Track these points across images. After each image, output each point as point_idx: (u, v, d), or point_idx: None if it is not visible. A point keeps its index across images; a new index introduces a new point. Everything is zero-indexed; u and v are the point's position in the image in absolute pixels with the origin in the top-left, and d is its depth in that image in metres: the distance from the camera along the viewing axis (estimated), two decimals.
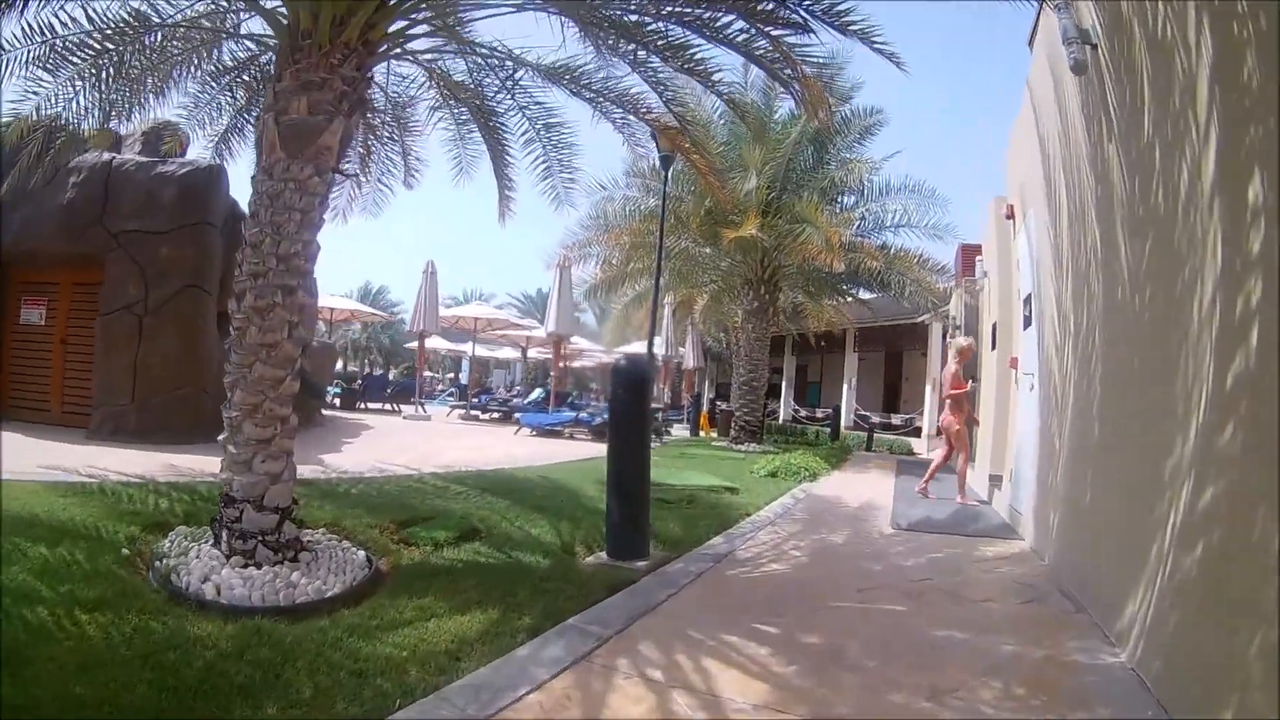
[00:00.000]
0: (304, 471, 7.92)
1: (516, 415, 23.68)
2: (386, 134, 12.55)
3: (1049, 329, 9.23)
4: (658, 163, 18.94)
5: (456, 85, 10.96)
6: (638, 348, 35.36)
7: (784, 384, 41.26)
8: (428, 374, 77.43)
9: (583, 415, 21.96)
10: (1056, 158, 8.77)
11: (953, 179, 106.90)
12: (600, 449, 11.79)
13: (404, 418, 26.37)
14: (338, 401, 29.32)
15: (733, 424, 24.47)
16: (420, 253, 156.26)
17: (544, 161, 11.95)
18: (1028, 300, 11.09)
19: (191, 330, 14.02)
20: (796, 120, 21.79)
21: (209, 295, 14.31)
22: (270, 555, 5.86)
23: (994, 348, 14.74)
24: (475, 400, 32.68)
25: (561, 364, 34.17)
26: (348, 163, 11.08)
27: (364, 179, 12.90)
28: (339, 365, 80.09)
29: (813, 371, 44.49)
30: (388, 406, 29.78)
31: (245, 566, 5.68)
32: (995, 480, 13.60)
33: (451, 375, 70.09)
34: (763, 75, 21.82)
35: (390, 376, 58.97)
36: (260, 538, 5.89)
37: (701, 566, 7.17)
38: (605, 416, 19.18)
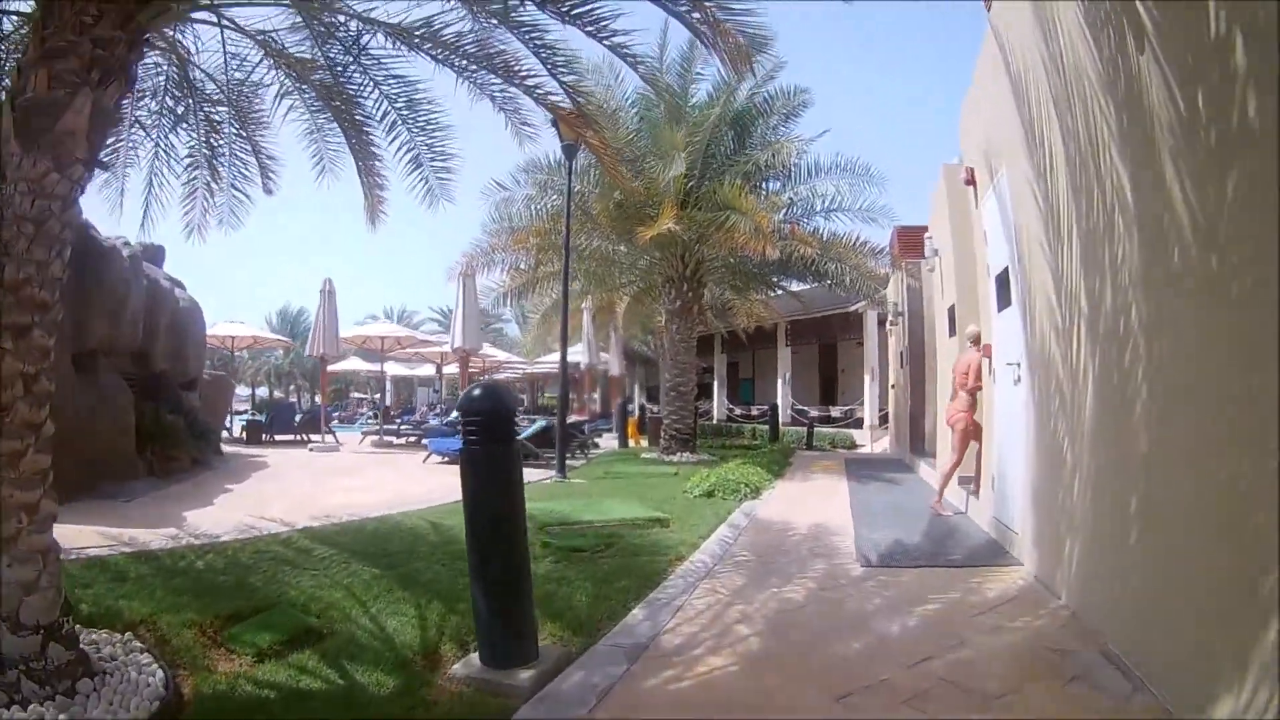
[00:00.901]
0: (156, 539, 7.29)
1: (424, 441, 21.45)
2: (234, 130, 10.55)
3: (1042, 309, 7.35)
4: (560, 154, 17.47)
5: (300, 62, 9.01)
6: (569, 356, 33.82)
7: (716, 383, 40.35)
8: (355, 395, 75.86)
9: None
10: (1042, 97, 6.91)
11: (883, 162, 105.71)
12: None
13: (310, 449, 24.50)
14: (244, 435, 27.75)
15: (662, 432, 22.57)
16: (339, 269, 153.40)
17: (409, 148, 10.20)
18: (1002, 277, 9.30)
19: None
20: (715, 102, 20.34)
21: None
22: (36, 689, 4.24)
23: (952, 334, 13.05)
24: (395, 423, 31.14)
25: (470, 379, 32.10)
26: (110, 154, 9.55)
27: (216, 185, 11.01)
28: (260, 393, 79.63)
29: (745, 368, 43.21)
30: (298, 437, 27.53)
31: (8, 706, 4.13)
32: (966, 483, 11.88)
33: (377, 396, 67.85)
34: (678, 58, 20.72)
35: (301, 404, 57.03)
36: (20, 667, 4.26)
37: (611, 674, 5.00)
38: (522, 436, 17.75)
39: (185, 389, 18.53)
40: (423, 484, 15.88)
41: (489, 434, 5.34)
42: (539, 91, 9.29)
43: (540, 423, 20.76)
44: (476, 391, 5.60)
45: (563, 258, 18.86)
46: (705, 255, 21.50)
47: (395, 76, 9.40)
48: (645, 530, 10.24)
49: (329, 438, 27.13)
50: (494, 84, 9.30)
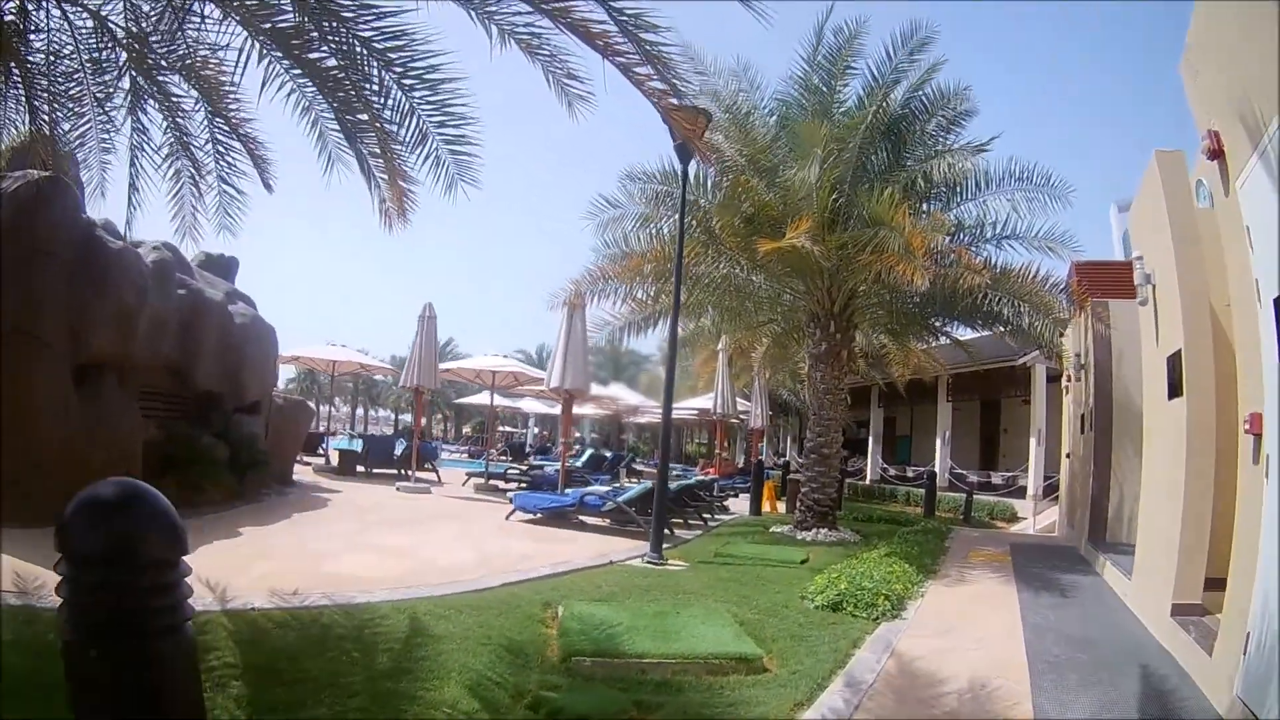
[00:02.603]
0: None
1: (509, 495, 18.25)
2: (207, 110, 9.41)
3: None
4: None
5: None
6: (701, 402, 30.32)
7: (870, 439, 37.04)
8: (504, 429, 73.67)
9: (588, 497, 16.46)
10: None
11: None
12: (608, 546, 11.82)
13: (397, 488, 21.87)
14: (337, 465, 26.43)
15: (798, 502, 18.78)
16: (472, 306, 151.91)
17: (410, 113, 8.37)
18: None
19: (17, 388, 10.99)
20: (867, 106, 16.77)
21: (45, 344, 11.57)
22: None
23: (1174, 394, 9.47)
24: (506, 462, 28.50)
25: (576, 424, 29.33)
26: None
27: (200, 179, 10.06)
28: (405, 419, 79.08)
29: (902, 424, 40.18)
30: (399, 471, 24.86)
31: None
32: (1186, 614, 8.36)
33: (514, 431, 65.49)
34: (826, 56, 17.30)
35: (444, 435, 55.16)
36: None
37: None
38: (619, 499, 16.21)
39: (245, 413, 17.25)
40: (479, 550, 13.02)
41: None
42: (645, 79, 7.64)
43: (647, 484, 17.18)
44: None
45: (684, 285, 16.06)
46: (856, 288, 17.90)
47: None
48: (722, 678, 6.86)
49: (424, 474, 24.87)
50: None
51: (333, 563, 10.84)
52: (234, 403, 16.92)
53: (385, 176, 9.55)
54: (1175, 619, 8.42)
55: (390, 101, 8.35)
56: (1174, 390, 9.46)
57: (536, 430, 59.25)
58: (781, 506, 23.49)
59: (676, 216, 16.74)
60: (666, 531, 15.29)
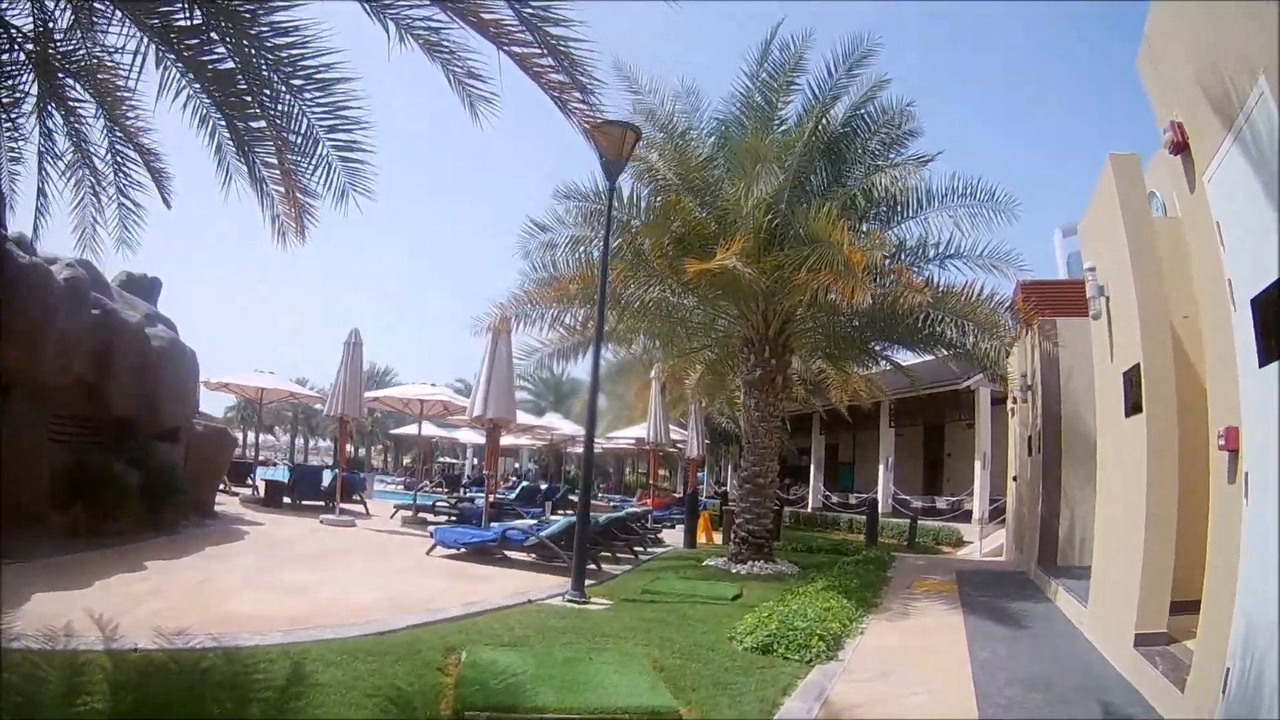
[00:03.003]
0: None
1: (430, 529, 17.25)
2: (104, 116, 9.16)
3: None
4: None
5: None
6: (639, 431, 29.51)
7: (812, 466, 36.82)
8: (444, 460, 72.37)
9: (511, 532, 15.45)
10: None
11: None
12: (529, 584, 11.73)
13: (321, 520, 20.82)
14: (262, 495, 25.00)
15: (733, 534, 17.98)
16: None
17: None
18: (1268, 300, 4.93)
19: None
20: (805, 124, 16.29)
21: None
22: None
23: (1133, 410, 8.87)
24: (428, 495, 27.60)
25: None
26: None
27: (101, 190, 9.94)
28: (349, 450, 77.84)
29: (845, 450, 39.90)
30: (327, 504, 23.42)
31: None
32: (1151, 644, 7.86)
33: (454, 464, 64.33)
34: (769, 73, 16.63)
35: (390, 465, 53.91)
36: None
37: None
38: (542, 534, 15.11)
39: (163, 440, 16.38)
40: (390, 588, 12.05)
41: None
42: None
43: (573, 518, 16.11)
44: None
45: (613, 310, 15.71)
46: (792, 312, 17.12)
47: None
48: None
49: (353, 506, 24.43)
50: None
51: (233, 601, 10.07)
52: (151, 429, 16.10)
53: (281, 189, 9.07)
54: (1140, 650, 7.87)
55: (280, 106, 7.94)
56: (1132, 407, 8.82)
57: (476, 461, 58.24)
58: (719, 537, 22.67)
59: (614, 240, 16.17)
60: (592, 567, 14.56)
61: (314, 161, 8.29)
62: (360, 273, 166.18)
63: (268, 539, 16.80)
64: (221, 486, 25.25)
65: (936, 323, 15.59)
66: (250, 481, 27.03)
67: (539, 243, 17.89)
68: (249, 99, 8.00)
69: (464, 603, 10.87)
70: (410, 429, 40.55)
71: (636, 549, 18.65)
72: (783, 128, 17.06)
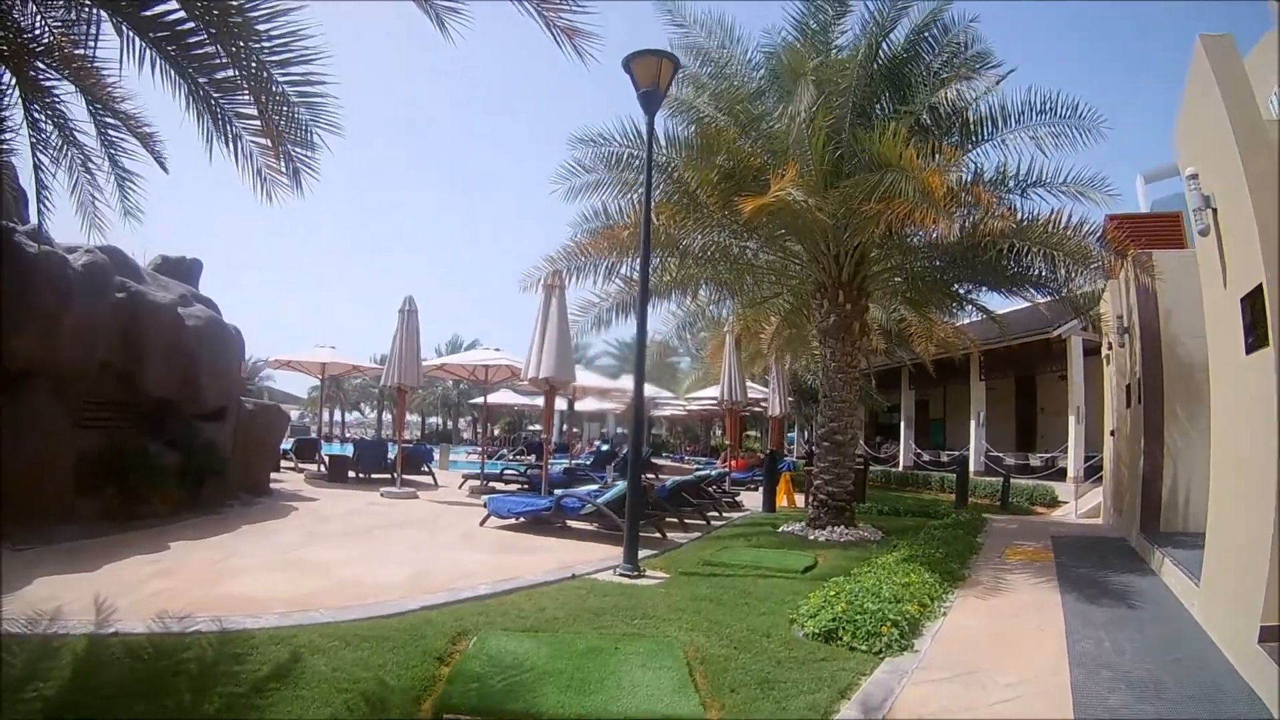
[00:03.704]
0: None
1: (483, 499, 16.17)
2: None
3: None
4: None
5: None
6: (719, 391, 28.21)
7: (902, 424, 35.15)
8: (533, 428, 71.53)
9: (566, 499, 14.40)
10: None
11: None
12: (582, 555, 11.18)
13: (382, 493, 20.14)
14: (326, 471, 24.77)
15: (810, 497, 16.49)
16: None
17: None
18: None
19: None
20: (859, 47, 14.72)
21: None
22: None
23: (1255, 344, 7.29)
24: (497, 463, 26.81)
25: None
26: None
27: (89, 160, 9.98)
28: (432, 423, 77.49)
29: (935, 406, 38.09)
30: (393, 476, 22.49)
31: None
32: (1276, 640, 6.37)
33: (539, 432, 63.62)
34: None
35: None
36: None
37: None
38: (598, 500, 13.95)
39: (207, 420, 16.03)
40: (422, 564, 11.07)
41: None
42: None
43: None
44: None
45: (672, 257, 14.94)
46: (866, 251, 15.59)
47: None
48: None
49: (421, 478, 24.01)
50: None
51: (242, 581, 9.37)
52: (193, 410, 15.68)
53: (263, 141, 8.92)
54: (1264, 646, 6.33)
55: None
56: (1256, 339, 7.14)
57: (565, 428, 57.36)
58: (801, 500, 21.01)
59: (662, 183, 15.11)
60: (655, 536, 13.81)
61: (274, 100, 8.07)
62: (431, 243, 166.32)
63: (315, 515, 16.15)
64: (290, 464, 26.04)
65: (1023, 254, 13.83)
66: (318, 458, 26.35)
67: (583, 184, 16.41)
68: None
69: (497, 579, 9.95)
70: (494, 398, 39.66)
71: (710, 514, 17.41)
72: (840, 55, 15.34)
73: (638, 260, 15.67)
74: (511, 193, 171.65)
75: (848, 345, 15.82)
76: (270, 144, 8.85)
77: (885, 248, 15.61)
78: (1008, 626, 8.54)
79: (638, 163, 15.25)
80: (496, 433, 72.11)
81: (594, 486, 16.74)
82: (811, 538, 14.75)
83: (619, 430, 60.38)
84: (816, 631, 7.66)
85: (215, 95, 8.30)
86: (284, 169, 9.16)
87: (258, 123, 8.70)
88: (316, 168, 9.27)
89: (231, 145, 8.73)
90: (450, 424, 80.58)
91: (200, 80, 8.11)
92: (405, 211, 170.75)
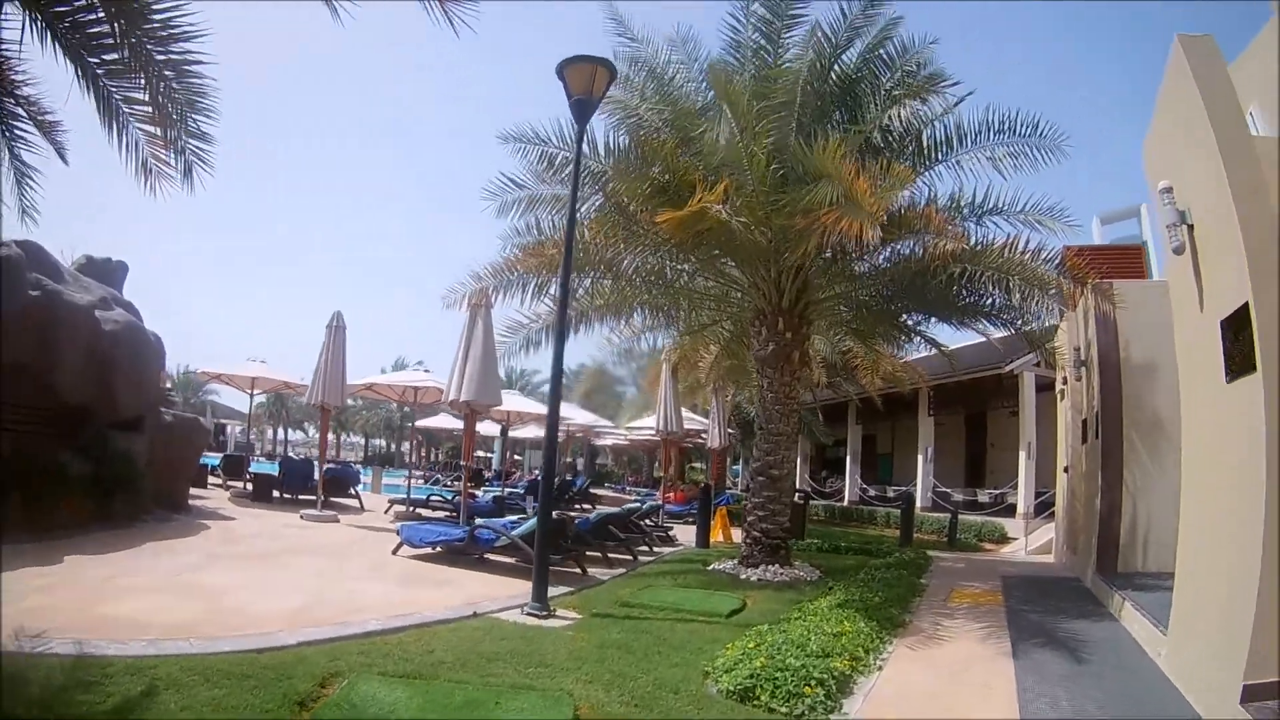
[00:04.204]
0: None
1: (398, 527, 15.17)
2: None
3: None
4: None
5: None
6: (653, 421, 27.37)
7: (849, 458, 34.56)
8: (483, 454, 70.28)
9: (480, 530, 13.36)
10: None
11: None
12: (493, 591, 10.70)
13: (301, 516, 19.16)
14: (250, 489, 23.49)
15: (744, 534, 15.49)
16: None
17: None
18: None
19: None
20: (801, 62, 13.76)
21: None
22: None
23: (1237, 371, 6.51)
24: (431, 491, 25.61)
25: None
26: None
27: None
28: (376, 444, 76.44)
29: (882, 441, 37.51)
30: (321, 497, 21.21)
31: None
32: (1264, 698, 5.65)
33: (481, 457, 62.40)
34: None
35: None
36: None
37: None
38: (513, 533, 12.94)
39: (123, 429, 15.31)
40: (318, 593, 10.29)
41: None
42: None
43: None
44: None
45: (605, 277, 14.44)
46: (808, 278, 14.71)
47: None
48: None
49: (347, 501, 22.82)
50: None
51: (125, 602, 8.64)
52: (108, 417, 14.99)
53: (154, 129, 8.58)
54: (1248, 708, 5.54)
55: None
56: (1237, 365, 6.29)
57: (506, 455, 56.20)
58: (739, 535, 19.97)
59: (595, 195, 14.44)
60: (576, 572, 13.11)
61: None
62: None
63: (225, 535, 15.21)
64: (218, 481, 25.10)
65: (976, 280, 13.16)
66: (245, 476, 25.41)
67: (514, 199, 15.48)
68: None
69: (393, 614, 9.07)
70: (432, 421, 38.66)
71: (641, 549, 16.53)
72: (790, 68, 14.21)
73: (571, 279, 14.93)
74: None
75: (786, 375, 14.92)
76: (160, 133, 8.49)
77: (829, 274, 14.91)
78: (952, 684, 7.61)
79: (569, 170, 14.29)
80: (440, 458, 70.99)
81: (515, 517, 15.73)
82: (744, 577, 13.77)
83: (564, 459, 59.45)
84: (731, 689, 6.73)
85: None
86: (174, 161, 8.79)
87: (147, 109, 8.31)
88: (210, 161, 8.95)
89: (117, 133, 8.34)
90: (394, 446, 79.49)
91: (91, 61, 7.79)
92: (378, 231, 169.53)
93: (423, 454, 72.00)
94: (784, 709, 6.35)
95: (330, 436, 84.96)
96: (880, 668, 8.03)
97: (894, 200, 12.46)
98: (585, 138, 13.15)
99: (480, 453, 67.16)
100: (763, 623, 9.31)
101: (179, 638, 7.24)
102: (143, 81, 8.18)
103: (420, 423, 41.78)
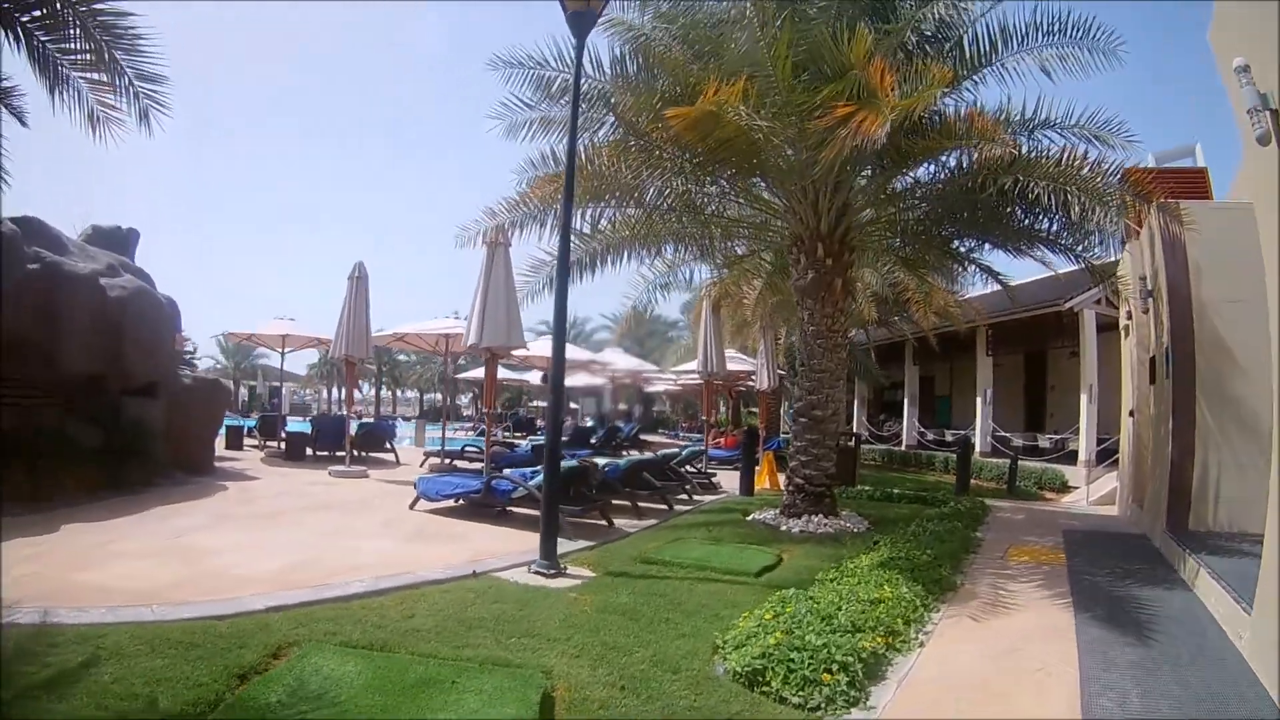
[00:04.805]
0: None
1: (415, 481, 14.30)
2: None
3: None
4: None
5: None
6: (732, 364, 26.33)
7: (906, 400, 32.97)
8: (536, 404, 69.59)
9: (498, 482, 12.61)
10: None
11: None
12: (504, 546, 10.04)
13: (330, 473, 18.43)
14: (284, 448, 23.13)
15: (786, 482, 14.27)
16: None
17: None
18: None
19: None
20: None
21: None
22: None
23: None
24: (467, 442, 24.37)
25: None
26: None
27: None
28: (431, 399, 75.88)
29: (940, 383, 35.74)
30: (356, 453, 21.09)
31: None
32: None
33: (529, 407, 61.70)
34: None
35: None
36: None
37: None
38: (531, 482, 12.14)
39: (136, 395, 15.06)
40: (316, 551, 9.66)
41: None
42: None
43: (565, 464, 12.80)
44: None
45: (626, 208, 13.37)
46: (850, 199, 13.37)
47: None
48: None
49: (384, 456, 22.87)
50: None
51: (106, 569, 8.16)
52: (119, 385, 14.71)
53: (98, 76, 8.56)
54: None
55: None
56: None
57: (573, 405, 55.46)
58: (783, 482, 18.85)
59: (607, 118, 13.44)
60: (601, 524, 12.18)
61: None
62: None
63: (241, 496, 14.54)
64: (255, 442, 25.06)
65: (1029, 196, 11.49)
66: (280, 435, 24.91)
67: (524, 120, 14.15)
68: None
69: (385, 574, 8.40)
70: (478, 372, 37.79)
71: (681, 497, 15.65)
72: None
73: (591, 210, 13.76)
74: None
75: (829, 306, 13.55)
76: (106, 79, 8.44)
77: (870, 194, 13.57)
78: (1004, 667, 6.28)
79: (584, 96, 13.07)
80: (499, 410, 70.40)
81: (538, 466, 14.81)
82: (784, 528, 12.58)
83: (620, 406, 58.66)
84: (740, 670, 5.61)
85: None
86: (127, 108, 8.76)
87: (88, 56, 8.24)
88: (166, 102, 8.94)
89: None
90: (450, 400, 79.12)
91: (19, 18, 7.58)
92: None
93: (478, 407, 71.42)
94: (797, 698, 5.24)
95: (385, 393, 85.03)
96: (923, 644, 6.83)
97: (934, 104, 11.25)
98: (590, 58, 12.15)
99: (537, 403, 66.50)
100: (797, 581, 8.26)
101: (145, 603, 6.82)
102: (78, 31, 7.96)
103: (467, 374, 40.86)
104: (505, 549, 10.09)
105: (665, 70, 12.53)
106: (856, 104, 9.65)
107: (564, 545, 9.94)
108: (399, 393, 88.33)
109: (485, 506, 12.66)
